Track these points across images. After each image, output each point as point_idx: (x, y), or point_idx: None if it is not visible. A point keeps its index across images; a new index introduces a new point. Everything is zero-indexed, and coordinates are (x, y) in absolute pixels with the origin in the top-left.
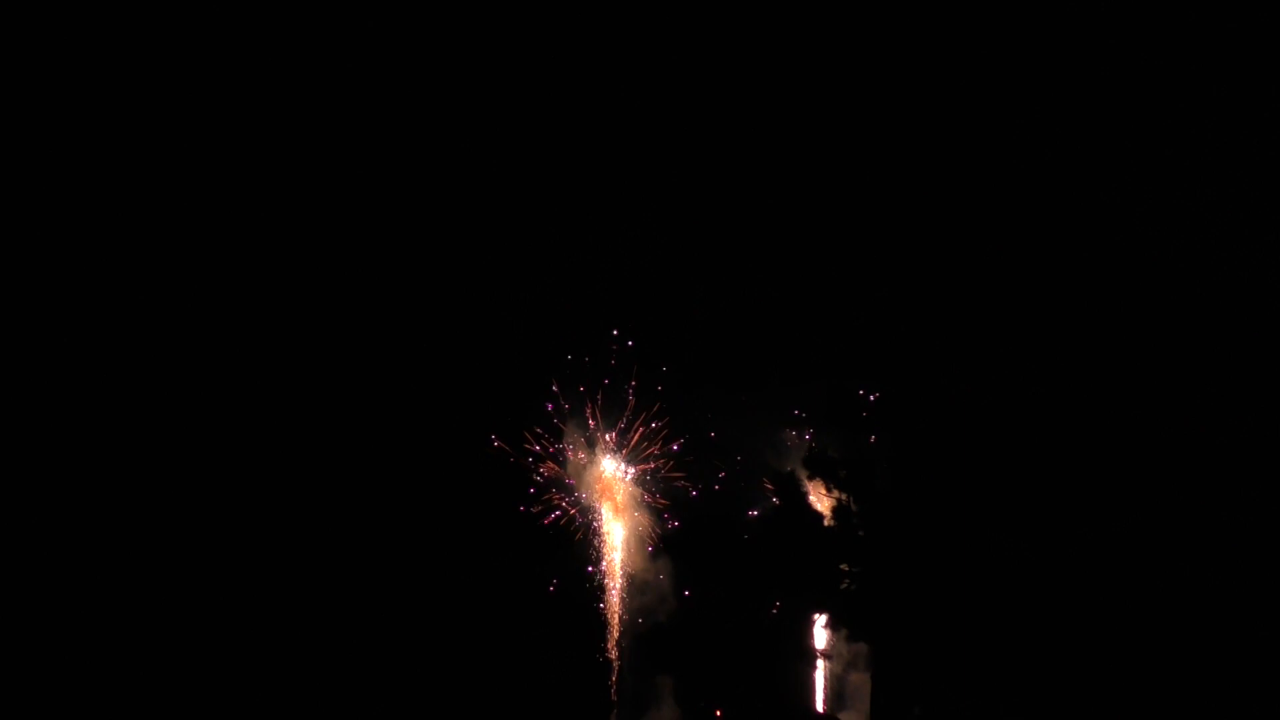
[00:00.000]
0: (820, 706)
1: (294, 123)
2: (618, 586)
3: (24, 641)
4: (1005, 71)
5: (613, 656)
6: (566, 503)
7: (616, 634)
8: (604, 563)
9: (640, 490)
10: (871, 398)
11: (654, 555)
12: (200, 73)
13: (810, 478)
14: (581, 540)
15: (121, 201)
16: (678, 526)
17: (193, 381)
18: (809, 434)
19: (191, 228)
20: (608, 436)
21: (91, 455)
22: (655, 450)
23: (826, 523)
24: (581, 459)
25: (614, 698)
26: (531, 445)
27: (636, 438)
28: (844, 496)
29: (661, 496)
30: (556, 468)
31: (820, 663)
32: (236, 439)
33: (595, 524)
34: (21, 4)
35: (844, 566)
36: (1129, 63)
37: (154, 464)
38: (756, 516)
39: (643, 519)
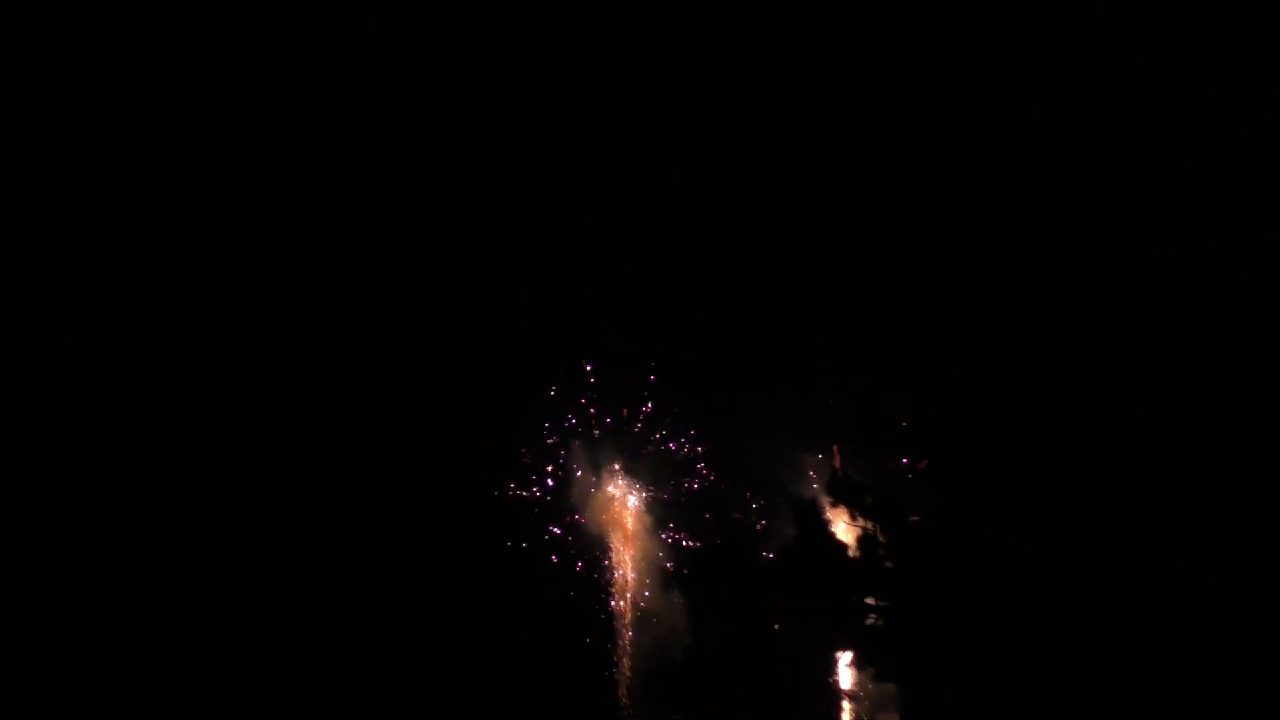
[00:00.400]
0: None
1: (291, 122)
2: (627, 620)
3: (23, 641)
4: (1008, 71)
5: (621, 696)
6: (570, 529)
7: (626, 672)
8: (612, 594)
9: (651, 517)
10: (900, 418)
11: (666, 587)
12: (199, 72)
13: (833, 505)
14: (587, 569)
15: (119, 201)
16: (691, 556)
17: (185, 382)
18: (835, 454)
19: (189, 226)
20: (616, 465)
21: (89, 455)
22: (668, 472)
23: (851, 554)
24: (589, 481)
25: None
26: (530, 464)
27: (648, 459)
28: (870, 525)
29: (674, 524)
30: (558, 490)
31: (845, 705)
32: (220, 441)
33: (602, 553)
34: (21, 4)
35: (870, 601)
36: (1129, 62)
37: (148, 464)
38: (775, 546)
39: (654, 547)
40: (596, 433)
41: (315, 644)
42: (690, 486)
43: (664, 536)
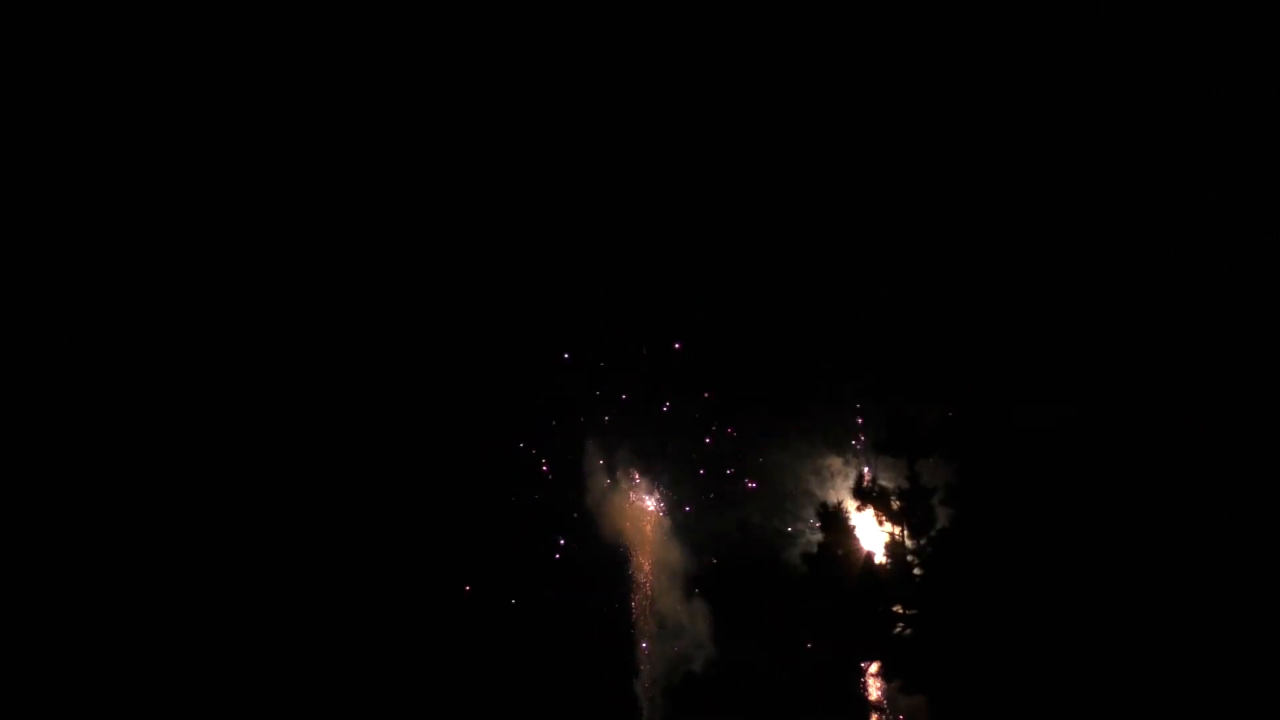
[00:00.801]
0: None
1: (291, 121)
2: (647, 631)
3: (23, 641)
4: (1012, 70)
5: (641, 710)
6: (584, 535)
7: (645, 685)
8: (630, 604)
9: (671, 522)
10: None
11: (686, 595)
12: (198, 71)
13: (860, 509)
14: (602, 578)
15: (119, 200)
16: (714, 563)
17: (185, 385)
18: (861, 445)
19: (188, 226)
20: (635, 473)
21: (88, 454)
22: (689, 475)
23: (878, 560)
24: (604, 483)
25: None
26: (541, 465)
27: (668, 461)
28: (898, 530)
29: (695, 529)
30: (572, 493)
31: (873, 717)
32: (223, 446)
33: (618, 560)
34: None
35: (898, 609)
36: (1138, 62)
37: (148, 467)
38: (800, 553)
39: (674, 554)
40: (609, 419)
41: (327, 659)
42: (712, 490)
43: (684, 543)
